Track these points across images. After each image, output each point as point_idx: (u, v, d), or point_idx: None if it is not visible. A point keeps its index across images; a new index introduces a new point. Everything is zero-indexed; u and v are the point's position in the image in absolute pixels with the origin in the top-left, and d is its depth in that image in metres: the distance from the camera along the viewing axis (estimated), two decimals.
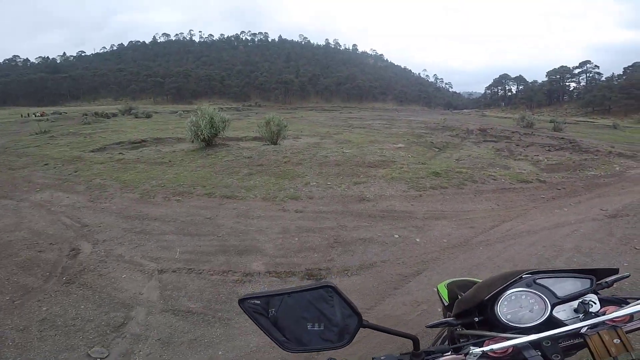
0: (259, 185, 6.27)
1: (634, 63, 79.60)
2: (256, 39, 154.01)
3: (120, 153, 9.88)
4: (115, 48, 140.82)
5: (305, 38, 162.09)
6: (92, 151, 10.30)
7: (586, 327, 0.67)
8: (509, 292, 0.75)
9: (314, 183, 6.31)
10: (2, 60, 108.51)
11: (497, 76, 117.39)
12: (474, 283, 1.03)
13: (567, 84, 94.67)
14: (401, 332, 0.70)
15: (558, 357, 0.63)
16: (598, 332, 0.65)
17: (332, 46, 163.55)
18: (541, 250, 3.81)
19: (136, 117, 29.16)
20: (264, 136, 10.87)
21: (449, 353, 0.70)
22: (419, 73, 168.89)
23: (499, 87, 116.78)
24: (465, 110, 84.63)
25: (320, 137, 13.27)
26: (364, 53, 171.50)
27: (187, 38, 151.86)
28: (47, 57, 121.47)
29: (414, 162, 8.34)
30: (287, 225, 4.53)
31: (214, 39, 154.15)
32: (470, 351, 0.67)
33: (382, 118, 31.14)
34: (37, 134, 15.78)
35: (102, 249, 3.92)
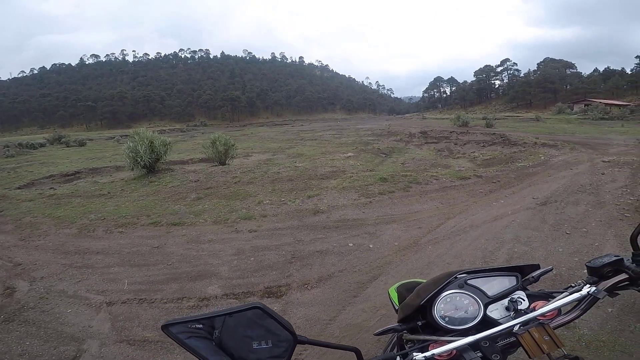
0: (209, 208, 6.06)
1: (545, 58, 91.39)
2: (197, 56, 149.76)
3: (51, 188, 8.94)
4: (36, 72, 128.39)
5: (250, 53, 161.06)
6: (19, 188, 9.25)
7: (518, 325, 0.68)
8: (443, 294, 0.77)
9: (267, 201, 6.25)
10: None
11: (432, 79, 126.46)
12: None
13: (492, 82, 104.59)
14: (340, 345, 0.70)
15: (497, 357, 0.65)
16: (528, 330, 0.66)
17: (279, 60, 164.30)
18: (484, 244, 4.07)
19: (67, 146, 26.74)
20: (211, 157, 10.55)
21: None
22: (362, 81, 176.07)
23: (435, 90, 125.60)
24: (407, 115, 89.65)
25: (272, 153, 13.22)
26: (311, 65, 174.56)
27: (120, 58, 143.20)
28: None
29: (363, 169, 8.63)
30: (241, 246, 4.43)
31: (150, 57, 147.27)
32: (414, 357, 0.69)
33: (332, 128, 31.90)
34: None
35: (41, 286, 3.65)
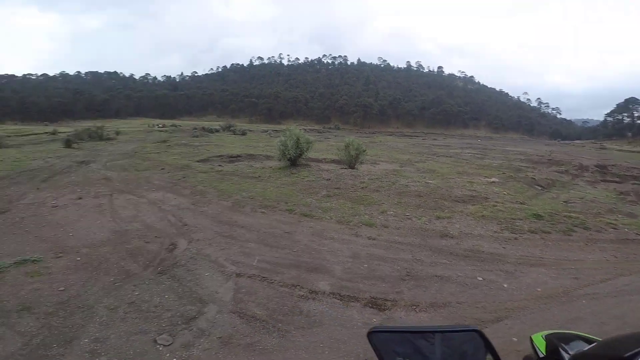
0: (335, 207, 6.34)
1: None
2: (336, 62, 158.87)
3: (219, 165, 11.16)
4: (220, 70, 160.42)
5: (385, 61, 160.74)
6: (198, 161, 11.89)
7: None
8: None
9: (391, 212, 6.12)
10: (138, 77, 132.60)
11: (622, 100, 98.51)
12: (583, 338, 0.94)
13: None
14: None
15: None
16: None
17: (415, 69, 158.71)
18: None
19: (234, 134, 32.64)
20: (343, 159, 11.06)
21: None
22: (518, 97, 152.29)
23: (625, 114, 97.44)
24: (577, 141, 72.44)
25: (400, 165, 12.92)
26: (451, 75, 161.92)
27: (277, 61, 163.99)
28: (170, 76, 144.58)
29: (511, 200, 7.44)
30: (358, 250, 4.49)
31: (300, 62, 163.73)
32: None
33: (472, 147, 28.90)
34: (158, 142, 18.98)
35: (194, 247, 4.43)
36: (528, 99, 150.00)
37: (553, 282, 3.77)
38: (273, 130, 39.93)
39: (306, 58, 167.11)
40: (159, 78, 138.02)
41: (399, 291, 3.48)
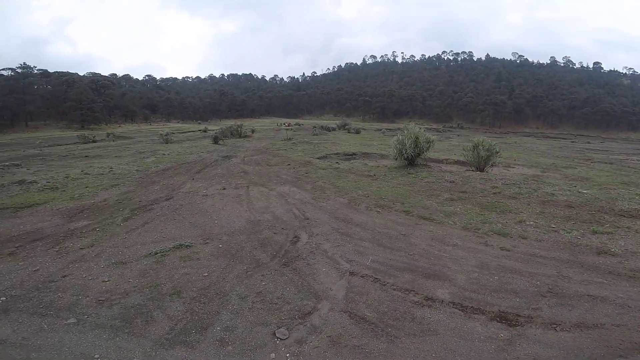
0: (460, 212, 5.85)
1: None
2: (459, 59, 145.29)
3: (336, 162, 11.71)
4: (335, 69, 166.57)
5: (521, 56, 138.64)
6: (318, 158, 12.75)
7: None
8: None
9: (532, 222, 5.28)
10: (268, 78, 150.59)
11: None
12: None
13: None
14: None
15: None
16: None
17: (561, 64, 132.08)
18: None
19: (348, 132, 33.69)
20: (469, 161, 10.08)
21: None
22: None
23: None
24: None
25: (541, 169, 11.01)
26: (613, 72, 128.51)
27: (391, 59, 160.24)
28: (293, 76, 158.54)
29: None
30: (487, 260, 4.05)
31: (415, 59, 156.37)
32: None
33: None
34: (284, 140, 21.22)
35: (314, 242, 4.69)
36: None
37: None
38: (387, 129, 39.53)
39: (422, 55, 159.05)
40: (285, 79, 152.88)
41: (536, 308, 3.05)
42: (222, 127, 28.37)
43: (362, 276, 3.71)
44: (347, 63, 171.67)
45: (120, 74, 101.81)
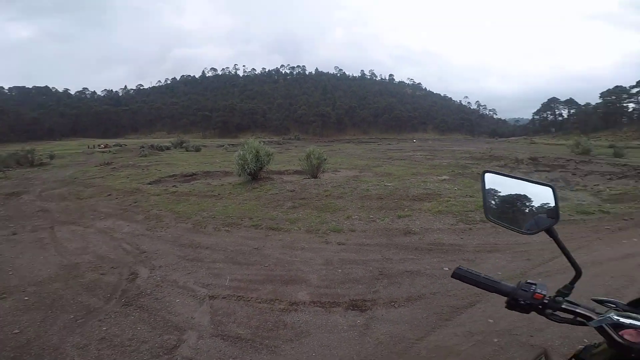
0: (302, 218, 6.40)
1: None
2: (294, 72, 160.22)
3: (174, 186, 10.65)
4: (169, 82, 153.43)
5: (341, 70, 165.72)
6: (149, 183, 11.22)
7: None
8: None
9: (356, 216, 6.32)
10: (74, 92, 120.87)
11: (545, 100, 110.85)
12: None
13: (624, 105, 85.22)
14: (573, 260, 0.84)
15: None
16: None
17: (368, 77, 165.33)
18: (609, 281, 3.59)
19: (187, 151, 31.44)
20: (305, 169, 11.17)
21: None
22: (460, 100, 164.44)
23: (548, 112, 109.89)
24: (512, 138, 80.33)
25: (359, 170, 13.35)
26: (401, 82, 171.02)
27: (232, 72, 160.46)
28: (111, 90, 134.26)
29: (461, 194, 8.04)
30: (330, 257, 4.56)
31: (257, 72, 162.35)
32: (608, 314, 0.75)
33: (423, 149, 30.75)
34: (101, 165, 17.64)
35: (158, 274, 4.19)
36: (469, 102, 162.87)
37: (510, 265, 4.12)
38: (230, 145, 39.05)
39: (263, 69, 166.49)
40: (99, 92, 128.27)
41: (375, 290, 3.60)
42: (1, 154, 21.10)
43: (224, 297, 3.57)
44: (183, 75, 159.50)
45: None
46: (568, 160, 16.31)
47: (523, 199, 0.82)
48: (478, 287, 0.89)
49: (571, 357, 0.83)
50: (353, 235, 5.37)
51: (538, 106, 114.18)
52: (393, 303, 3.33)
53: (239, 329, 3.03)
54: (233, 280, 3.99)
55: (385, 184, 9.42)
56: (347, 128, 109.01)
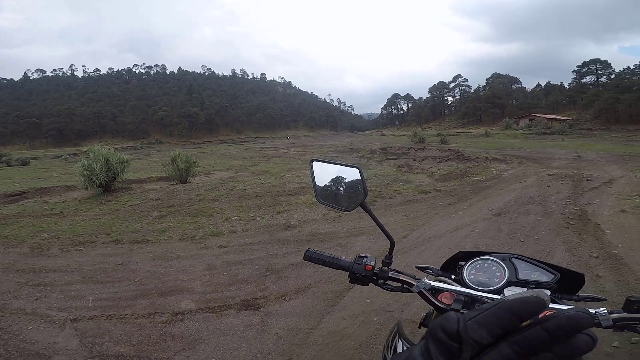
0: (173, 226, 5.87)
1: (493, 74, 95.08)
2: (152, 72, 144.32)
3: None
4: None
5: (209, 69, 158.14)
6: None
7: None
8: (482, 257, 0.92)
9: (235, 217, 6.19)
10: None
11: (390, 96, 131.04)
12: None
13: (445, 98, 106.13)
14: (386, 231, 0.93)
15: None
16: None
17: (240, 76, 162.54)
18: (448, 252, 4.20)
19: (9, 165, 24.39)
20: (172, 175, 10.19)
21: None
22: (325, 98, 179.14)
23: (392, 107, 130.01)
24: (367, 132, 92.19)
25: (235, 171, 13.06)
26: (273, 81, 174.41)
27: (68, 74, 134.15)
28: None
29: None
30: (212, 261, 4.38)
31: (102, 73, 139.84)
32: (424, 280, 0.86)
33: (295, 145, 32.13)
34: None
35: None
36: (331, 99, 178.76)
37: (374, 246, 4.68)
38: (70, 155, 32.07)
39: (111, 69, 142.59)
40: None
41: (265, 287, 3.62)
42: None
43: (90, 319, 3.09)
44: None
45: None
46: (409, 149, 19.82)
47: (341, 180, 0.93)
48: (325, 266, 0.97)
49: (419, 324, 0.92)
50: (234, 237, 5.25)
51: (385, 102, 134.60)
52: (284, 297, 3.42)
53: (119, 347, 2.69)
54: (97, 300, 3.49)
55: (262, 181, 9.51)
56: (220, 128, 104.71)
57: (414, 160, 14.78)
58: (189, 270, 4.13)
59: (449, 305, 0.81)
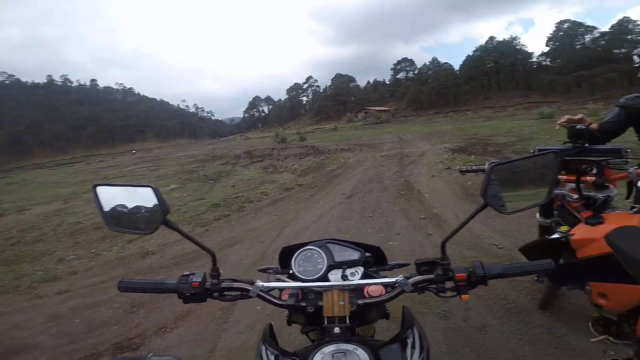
0: None
1: (336, 74, 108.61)
2: None
3: None
4: None
5: (12, 76, 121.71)
6: None
7: (324, 288, 0.84)
8: (304, 248, 0.96)
9: (72, 256, 5.03)
10: None
11: (251, 99, 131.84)
12: None
13: (301, 98, 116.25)
14: (201, 245, 0.88)
15: (312, 301, 0.83)
16: (331, 291, 0.82)
17: (59, 83, 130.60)
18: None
19: None
20: None
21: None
22: (178, 104, 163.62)
23: (254, 110, 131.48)
24: (230, 137, 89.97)
25: (63, 202, 10.50)
26: (108, 88, 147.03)
27: None
28: None
29: (192, 199, 8.23)
30: (54, 310, 3.53)
31: None
32: (257, 283, 0.87)
33: (144, 160, 27.86)
34: None
35: None
36: (187, 105, 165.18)
37: (250, 252, 4.56)
38: None
39: None
40: None
41: (136, 324, 3.10)
42: None
43: None
44: None
45: None
46: (273, 149, 20.25)
47: (135, 202, 0.86)
48: (147, 293, 0.90)
49: (287, 322, 0.97)
50: (77, 278, 4.32)
51: (247, 105, 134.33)
52: (164, 329, 3.01)
53: None
54: None
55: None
56: (33, 149, 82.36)
57: (277, 160, 15.28)
58: (25, 326, 3.26)
59: (286, 301, 0.86)
